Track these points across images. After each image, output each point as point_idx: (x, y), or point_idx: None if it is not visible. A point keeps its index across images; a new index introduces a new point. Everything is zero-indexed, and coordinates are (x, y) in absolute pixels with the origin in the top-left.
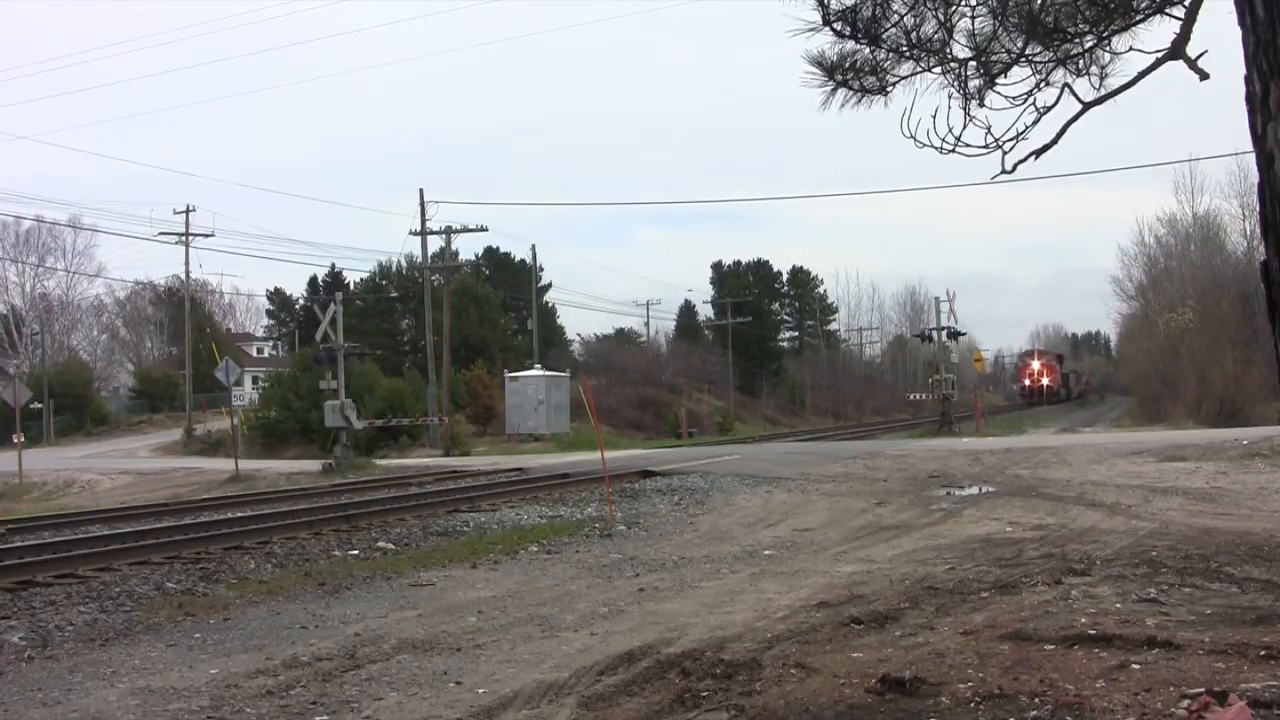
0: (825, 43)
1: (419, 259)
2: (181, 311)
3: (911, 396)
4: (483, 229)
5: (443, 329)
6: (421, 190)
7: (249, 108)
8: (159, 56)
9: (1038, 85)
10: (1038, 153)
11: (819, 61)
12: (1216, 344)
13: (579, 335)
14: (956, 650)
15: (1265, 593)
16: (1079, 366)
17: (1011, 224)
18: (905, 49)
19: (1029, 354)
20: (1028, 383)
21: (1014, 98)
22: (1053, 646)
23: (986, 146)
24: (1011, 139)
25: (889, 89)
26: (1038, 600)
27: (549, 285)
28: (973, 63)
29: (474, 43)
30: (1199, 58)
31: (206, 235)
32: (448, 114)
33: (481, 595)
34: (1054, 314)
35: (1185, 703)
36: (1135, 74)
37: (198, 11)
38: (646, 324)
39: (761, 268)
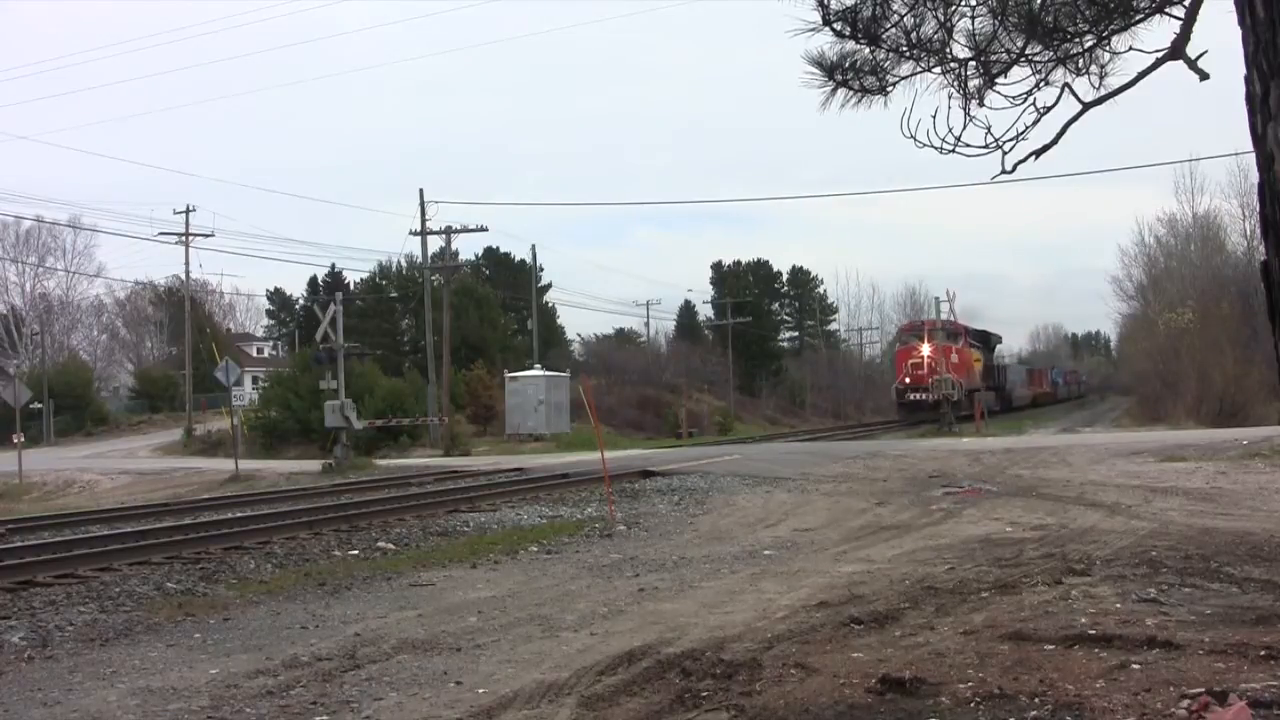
0: (825, 43)
1: (419, 259)
2: (181, 311)
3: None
4: (483, 229)
5: (443, 329)
6: (421, 190)
7: (249, 108)
8: (159, 56)
9: (1038, 85)
10: (1038, 153)
11: (819, 61)
12: (1216, 344)
13: (579, 335)
14: (956, 650)
15: (1265, 593)
16: (1077, 366)
17: (1011, 224)
18: (905, 49)
19: (912, 329)
20: (908, 380)
21: (1014, 98)
22: (1053, 646)
23: (986, 146)
24: (1011, 139)
25: (889, 89)
26: (1038, 600)
27: (549, 285)
28: (973, 63)
29: (474, 43)
30: (1199, 58)
31: (206, 235)
32: (448, 114)
33: (481, 595)
34: (1054, 314)
35: (1185, 703)
36: (1135, 74)
37: (198, 11)
38: (646, 324)
39: (761, 268)
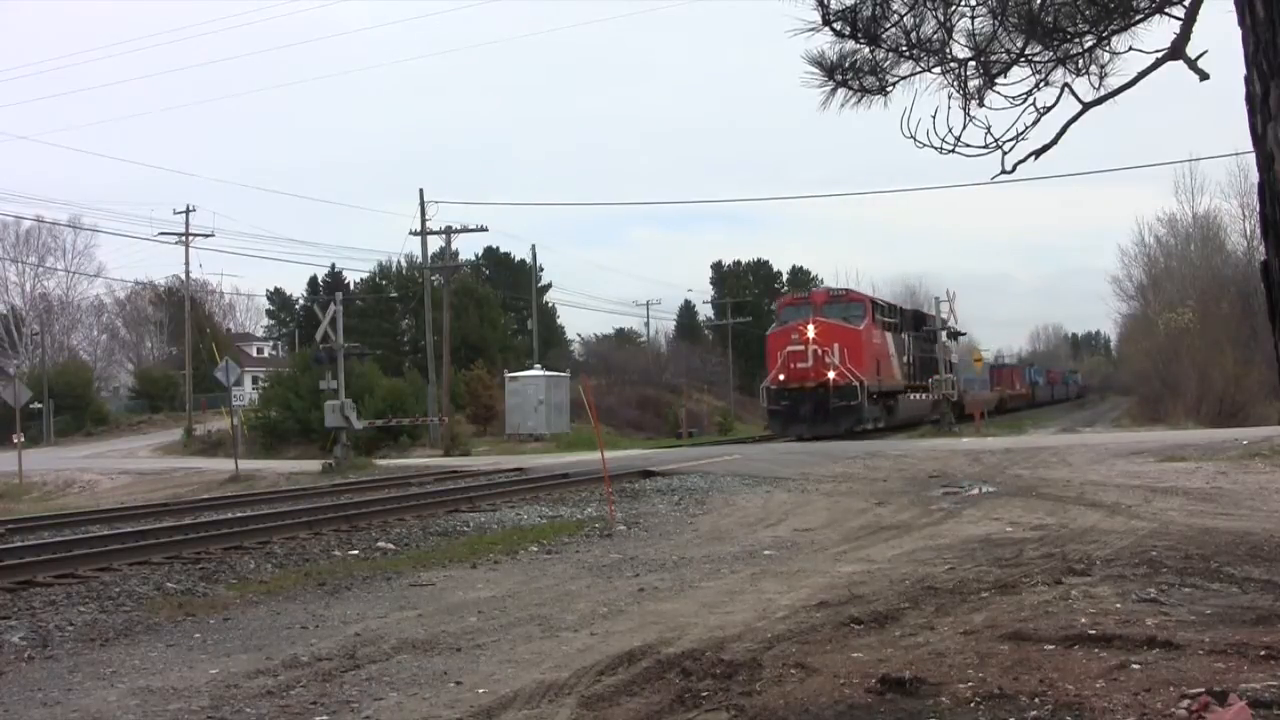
0: (825, 43)
1: (419, 259)
2: (181, 311)
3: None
4: (483, 229)
5: (443, 329)
6: (421, 190)
7: (249, 108)
8: (159, 56)
9: (1038, 85)
10: (1038, 153)
11: (819, 61)
12: (1216, 344)
13: (579, 335)
14: (956, 650)
15: (1265, 593)
16: (1077, 365)
17: (1011, 224)
18: (905, 49)
19: (795, 304)
20: (782, 377)
21: (1014, 98)
22: (1053, 646)
23: (986, 146)
24: (1011, 139)
25: (889, 89)
26: (1038, 600)
27: (549, 285)
28: (973, 63)
29: (474, 43)
30: (1199, 58)
31: (206, 235)
32: (448, 114)
33: (481, 595)
34: (1053, 314)
35: (1185, 703)
36: (1135, 74)
37: (198, 11)
38: (646, 324)
39: (761, 268)
